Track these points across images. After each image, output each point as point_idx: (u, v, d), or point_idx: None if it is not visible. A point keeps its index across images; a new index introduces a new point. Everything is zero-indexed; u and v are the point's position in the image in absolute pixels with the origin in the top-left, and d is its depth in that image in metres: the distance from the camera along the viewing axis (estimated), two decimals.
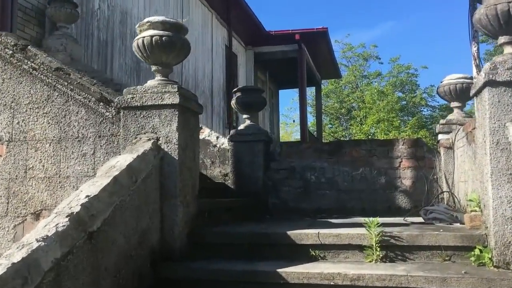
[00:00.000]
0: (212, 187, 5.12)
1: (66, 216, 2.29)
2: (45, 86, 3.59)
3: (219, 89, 12.52)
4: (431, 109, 30.77)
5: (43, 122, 3.57)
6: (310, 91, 23.93)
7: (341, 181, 5.22)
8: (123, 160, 2.91)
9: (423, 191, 4.96)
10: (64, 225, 2.23)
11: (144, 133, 3.29)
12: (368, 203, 5.11)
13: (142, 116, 3.30)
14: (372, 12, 54.86)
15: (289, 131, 35.61)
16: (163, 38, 3.31)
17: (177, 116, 3.25)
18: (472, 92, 3.16)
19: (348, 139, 29.28)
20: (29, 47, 3.69)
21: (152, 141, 3.23)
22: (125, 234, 2.71)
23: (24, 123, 3.60)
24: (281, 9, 58.82)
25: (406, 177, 5.08)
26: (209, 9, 11.98)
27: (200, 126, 5.58)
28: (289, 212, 5.22)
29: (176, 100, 3.23)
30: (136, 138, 3.28)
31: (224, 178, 5.46)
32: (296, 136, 34.01)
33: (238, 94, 5.47)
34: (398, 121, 25.65)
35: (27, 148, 3.57)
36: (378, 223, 3.12)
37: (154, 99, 3.27)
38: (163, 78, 3.44)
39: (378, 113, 23.72)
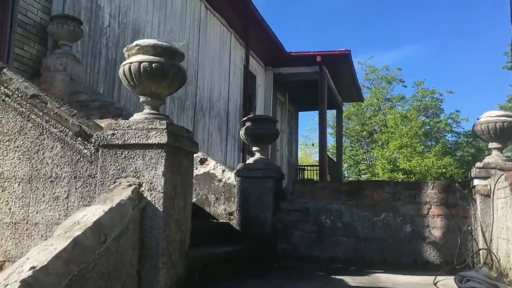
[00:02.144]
0: (214, 229, 4.56)
1: None
2: (18, 116, 3.10)
3: (235, 110, 12.04)
4: (455, 135, 29.84)
5: (13, 157, 3.07)
6: (331, 113, 23.34)
7: (360, 227, 4.59)
8: (91, 214, 2.37)
9: (456, 244, 4.30)
10: None
11: (125, 177, 2.76)
12: (391, 254, 4.47)
13: (123, 156, 2.78)
14: (396, 34, 54.17)
15: (308, 152, 34.93)
16: (153, 65, 2.80)
17: (164, 158, 2.71)
18: None
19: (369, 163, 28.46)
20: (4, 70, 3.21)
21: (133, 187, 2.69)
22: None
23: None
24: (303, 30, 58.61)
25: (435, 227, 4.43)
26: (227, 29, 11.57)
27: (205, 157, 5.06)
28: (300, 261, 4.61)
29: (163, 139, 2.70)
30: (115, 182, 2.75)
31: (229, 217, 4.90)
32: (315, 157, 33.26)
33: (248, 124, 4.93)
34: (422, 147, 24.76)
35: None
36: None
37: (138, 137, 2.75)
38: (152, 112, 2.92)
39: (401, 138, 22.90)
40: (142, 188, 2.71)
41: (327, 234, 4.66)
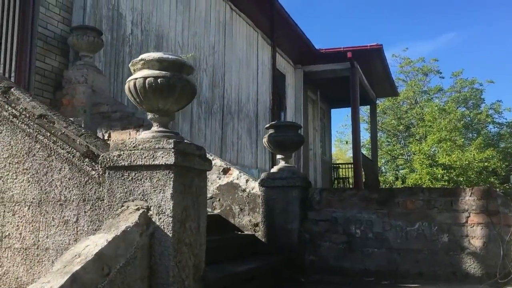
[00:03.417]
0: (238, 243, 4.39)
1: None
2: (26, 137, 3.01)
3: (265, 111, 11.83)
4: (498, 126, 28.66)
5: (23, 180, 2.98)
6: (365, 108, 22.80)
7: (393, 237, 4.32)
8: (93, 244, 2.23)
9: (498, 256, 3.97)
10: None
11: (133, 201, 2.61)
12: (427, 266, 4.18)
13: (130, 178, 2.63)
14: (431, 24, 52.58)
15: (343, 149, 34.32)
16: (159, 80, 2.63)
17: (172, 179, 2.55)
18: None
19: (406, 158, 27.64)
20: (12, 89, 3.13)
21: (140, 211, 2.54)
22: None
23: (2, 180, 3.03)
24: (333, 25, 57.74)
25: (475, 236, 4.11)
26: (254, 29, 11.37)
27: (228, 166, 4.90)
28: (329, 273, 4.38)
29: (170, 159, 2.53)
30: (123, 206, 2.61)
31: (254, 228, 4.71)
32: (350, 154, 32.54)
33: (271, 131, 4.74)
34: (462, 140, 23.86)
35: (4, 211, 2.99)
36: None
37: (145, 157, 2.59)
38: (160, 129, 2.76)
39: (439, 132, 22.11)
40: (151, 212, 2.56)
41: (358, 245, 4.41)
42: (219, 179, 4.90)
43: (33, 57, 5.48)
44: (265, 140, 4.75)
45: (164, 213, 2.54)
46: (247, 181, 4.82)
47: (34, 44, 5.49)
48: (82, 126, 5.25)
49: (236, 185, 4.85)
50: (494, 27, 50.91)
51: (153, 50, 7.66)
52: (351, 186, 15.76)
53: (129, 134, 5.30)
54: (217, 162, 4.92)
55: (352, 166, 14.67)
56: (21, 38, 5.44)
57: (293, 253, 4.46)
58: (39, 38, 5.58)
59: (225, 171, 4.92)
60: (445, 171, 19.28)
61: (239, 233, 4.69)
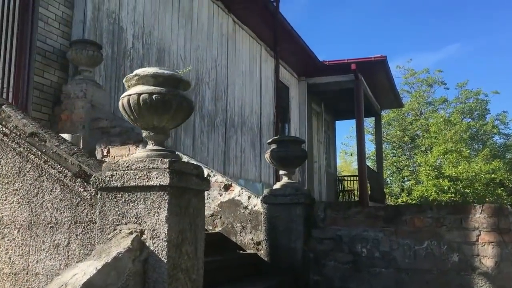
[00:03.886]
0: (240, 263, 4.23)
1: None
2: (17, 156, 2.89)
3: (268, 124, 11.71)
4: (504, 137, 28.45)
5: (13, 201, 2.86)
6: (370, 120, 22.67)
7: (401, 257, 4.15)
8: (81, 273, 2.09)
9: (511, 275, 3.80)
10: None
11: (126, 224, 2.47)
12: (436, 287, 4.00)
13: (123, 200, 2.50)
14: (436, 35, 52.53)
15: (348, 161, 34.09)
16: (154, 97, 2.51)
17: (167, 201, 2.41)
18: None
19: (412, 169, 27.38)
20: (3, 106, 3.02)
21: (134, 235, 2.40)
22: None
23: None
24: (337, 37, 57.85)
25: (486, 256, 3.94)
26: (257, 42, 11.30)
27: (230, 183, 4.76)
28: None
29: (165, 180, 2.40)
30: (115, 230, 2.47)
31: (257, 247, 4.56)
32: (356, 166, 32.24)
33: (273, 146, 4.60)
34: (468, 151, 23.61)
35: None
36: None
37: (138, 178, 2.46)
38: (154, 148, 2.63)
39: (444, 143, 21.89)
40: (144, 236, 2.42)
41: (364, 265, 4.24)
42: (220, 195, 4.76)
43: (31, 72, 5.38)
44: (267, 155, 4.62)
45: (158, 237, 2.40)
46: (249, 197, 4.68)
47: (33, 59, 5.40)
48: (81, 141, 5.17)
49: (238, 202, 4.71)
50: (499, 38, 50.80)
51: (154, 64, 7.57)
52: (356, 199, 15.56)
53: (129, 150, 5.19)
54: (218, 178, 4.79)
55: (357, 178, 14.50)
56: (20, 52, 5.35)
57: (297, 273, 4.30)
58: (38, 52, 5.50)
59: (227, 187, 4.78)
60: (452, 183, 19.03)
61: (241, 252, 4.54)
